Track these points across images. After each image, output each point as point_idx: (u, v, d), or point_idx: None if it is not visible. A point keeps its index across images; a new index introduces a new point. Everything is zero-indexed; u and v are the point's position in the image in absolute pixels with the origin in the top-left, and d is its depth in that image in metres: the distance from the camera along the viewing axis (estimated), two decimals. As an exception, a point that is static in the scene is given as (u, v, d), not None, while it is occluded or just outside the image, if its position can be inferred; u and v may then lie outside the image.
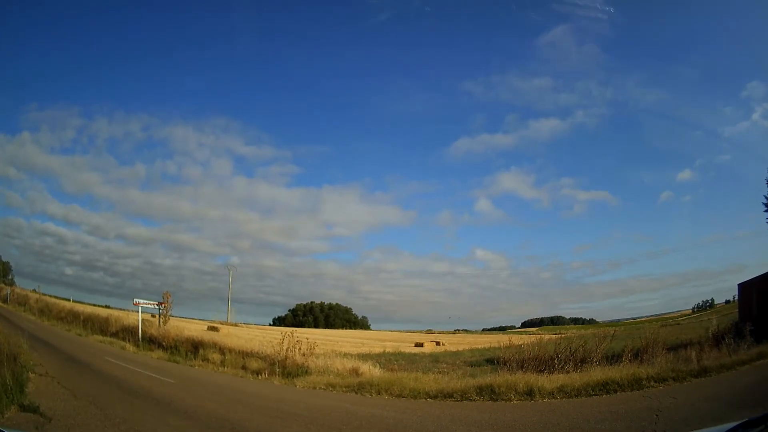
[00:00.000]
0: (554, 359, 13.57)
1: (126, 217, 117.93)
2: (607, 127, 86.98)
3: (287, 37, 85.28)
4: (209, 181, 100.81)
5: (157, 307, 26.39)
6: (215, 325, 42.15)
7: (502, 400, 10.53)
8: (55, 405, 8.76)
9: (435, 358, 24.45)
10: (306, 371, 15.73)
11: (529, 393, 10.58)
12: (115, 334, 26.04)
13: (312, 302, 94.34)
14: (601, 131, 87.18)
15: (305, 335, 19.39)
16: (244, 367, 17.22)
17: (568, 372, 12.66)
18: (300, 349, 16.61)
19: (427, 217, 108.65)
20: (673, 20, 65.42)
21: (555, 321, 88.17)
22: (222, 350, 19.80)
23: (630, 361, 12.72)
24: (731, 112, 73.26)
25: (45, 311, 35.25)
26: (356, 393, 12.45)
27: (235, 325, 53.64)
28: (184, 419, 8.82)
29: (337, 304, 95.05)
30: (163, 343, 22.10)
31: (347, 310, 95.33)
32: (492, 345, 27.09)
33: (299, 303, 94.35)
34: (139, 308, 25.37)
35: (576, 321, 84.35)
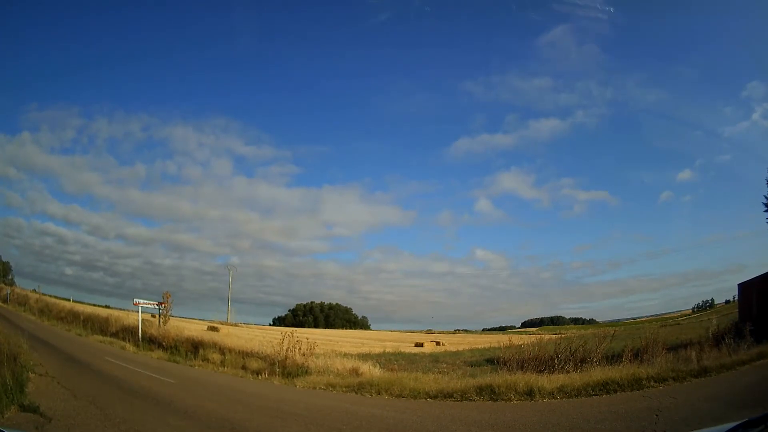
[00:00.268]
0: (554, 359, 13.57)
1: (126, 217, 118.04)
2: (607, 127, 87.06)
3: (287, 37, 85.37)
4: (209, 181, 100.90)
5: (157, 307, 26.39)
6: (215, 325, 42.14)
7: (502, 400, 10.53)
8: (55, 405, 8.76)
9: (435, 358, 24.45)
10: (306, 371, 15.73)
11: (529, 393, 10.58)
12: (115, 334, 26.04)
13: (312, 302, 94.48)
14: (601, 131, 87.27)
15: (305, 335, 19.38)
16: (244, 367, 17.22)
17: (568, 372, 12.66)
18: (300, 349, 16.61)
19: (427, 217, 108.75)
20: (673, 20, 65.48)
21: (555, 321, 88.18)
22: (222, 350, 19.80)
23: (630, 361, 12.71)
24: (731, 112, 73.35)
25: (45, 311, 35.24)
26: (356, 393, 12.45)
27: (235, 325, 53.64)
28: (184, 419, 8.82)
29: (337, 304, 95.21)
30: (163, 343, 22.10)
31: (347, 310, 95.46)
32: (492, 345, 27.10)
33: (299, 303, 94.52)
34: (139, 308, 25.37)
35: (576, 321, 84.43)
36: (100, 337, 25.70)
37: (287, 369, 15.82)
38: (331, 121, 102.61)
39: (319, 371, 15.69)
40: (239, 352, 19.17)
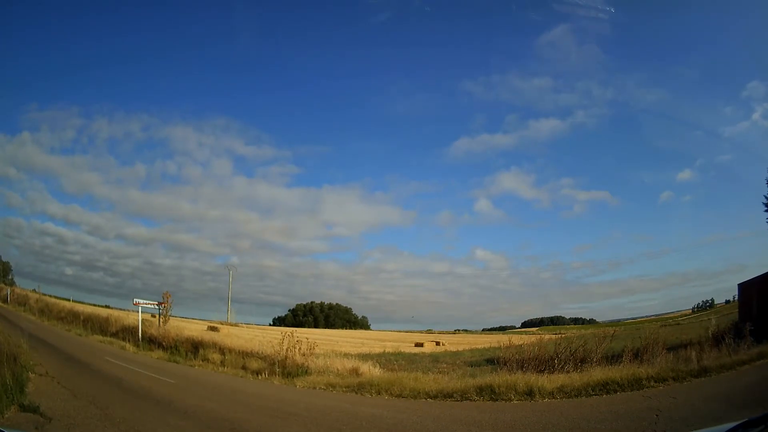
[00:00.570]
0: (554, 359, 13.57)
1: (126, 217, 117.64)
2: (607, 127, 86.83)
3: (287, 37, 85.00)
4: (209, 181, 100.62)
5: (157, 307, 26.37)
6: (215, 325, 42.14)
7: (502, 400, 10.53)
8: (55, 405, 8.77)
9: (435, 358, 24.45)
10: (306, 371, 15.73)
11: (529, 393, 10.58)
12: (115, 334, 26.05)
13: (312, 302, 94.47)
14: (601, 131, 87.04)
15: (305, 335, 19.38)
16: (244, 367, 17.23)
17: (568, 372, 12.66)
18: (300, 349, 16.62)
19: (427, 217, 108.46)
20: (673, 20, 65.39)
21: (555, 321, 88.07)
22: (222, 350, 19.81)
23: (630, 361, 12.71)
24: (731, 112, 73.11)
25: (45, 311, 35.24)
26: (356, 393, 12.45)
27: (235, 325, 53.62)
28: (184, 419, 8.82)
29: (337, 304, 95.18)
30: (163, 343, 22.11)
31: (347, 310, 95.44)
32: (492, 345, 27.09)
33: (299, 303, 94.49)
34: (139, 308, 25.37)
35: (576, 321, 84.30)
36: (100, 337, 25.70)
37: (287, 369, 15.82)
38: (331, 121, 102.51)
39: (319, 371, 15.70)
40: (239, 352, 19.18)
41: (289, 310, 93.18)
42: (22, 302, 40.07)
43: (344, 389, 13.02)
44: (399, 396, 11.71)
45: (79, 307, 37.66)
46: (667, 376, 10.97)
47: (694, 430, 5.64)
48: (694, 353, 12.36)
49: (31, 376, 10.99)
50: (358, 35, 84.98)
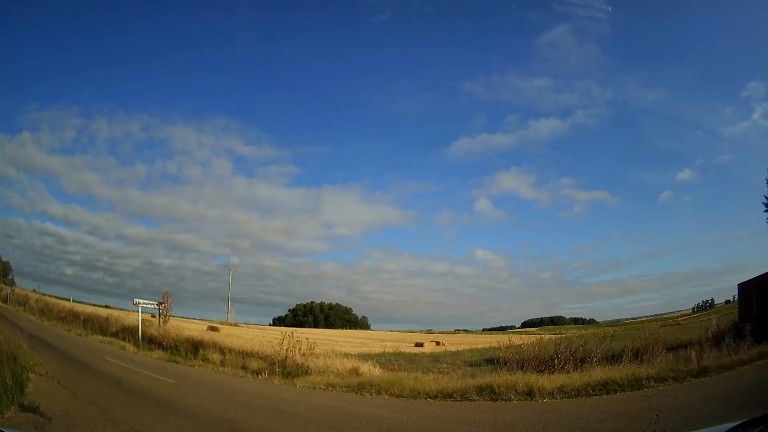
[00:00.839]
0: (554, 359, 13.56)
1: (126, 217, 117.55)
2: (607, 127, 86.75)
3: (287, 37, 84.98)
4: (209, 181, 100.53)
5: (157, 307, 26.36)
6: (215, 325, 42.16)
7: (502, 400, 10.53)
8: (55, 405, 8.77)
9: (435, 358, 24.45)
10: (306, 371, 15.73)
11: (529, 393, 10.58)
12: (115, 334, 26.05)
13: (312, 302, 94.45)
14: (601, 131, 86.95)
15: (305, 335, 19.38)
16: (244, 367, 17.22)
17: (568, 372, 12.66)
18: (300, 349, 16.61)
19: (427, 217, 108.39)
20: (673, 20, 65.38)
21: (555, 321, 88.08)
22: (222, 350, 19.80)
23: (630, 361, 12.71)
24: (731, 112, 73.04)
25: (45, 311, 35.23)
26: (356, 393, 12.45)
27: (235, 325, 53.63)
28: (184, 419, 8.82)
29: (337, 304, 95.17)
30: (163, 343, 22.10)
31: (347, 310, 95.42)
32: (492, 345, 27.08)
33: (299, 303, 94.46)
34: (139, 308, 25.36)
35: (576, 321, 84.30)
36: (100, 337, 25.70)
37: (287, 369, 15.82)
38: (331, 121, 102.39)
39: (319, 371, 15.69)
40: (239, 352, 19.18)
41: (289, 310, 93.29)
42: (22, 302, 40.06)
43: (344, 389, 13.02)
44: (399, 396, 11.71)
45: (79, 307, 37.65)
46: (667, 376, 10.97)
47: (694, 430, 5.64)
48: (694, 353, 12.36)
49: (31, 376, 10.99)
50: (358, 35, 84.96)
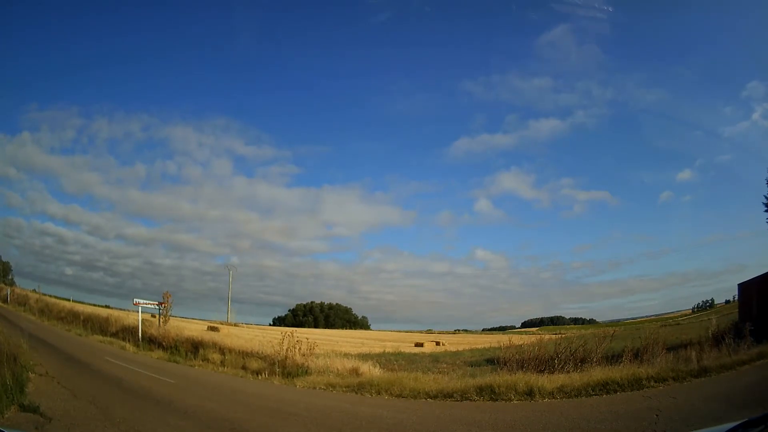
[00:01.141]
0: (554, 359, 13.55)
1: (126, 217, 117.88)
2: (607, 127, 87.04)
3: (287, 37, 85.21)
4: (209, 181, 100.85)
5: (157, 307, 26.37)
6: (215, 325, 42.17)
7: (502, 400, 10.53)
8: (55, 405, 8.77)
9: (435, 358, 24.45)
10: (306, 371, 15.72)
11: (529, 393, 10.57)
12: (115, 334, 26.03)
13: (312, 302, 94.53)
14: (601, 131, 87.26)
15: (305, 335, 19.38)
16: (244, 367, 17.22)
17: (568, 372, 12.65)
18: (300, 349, 16.60)
19: (427, 217, 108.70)
20: (673, 20, 65.47)
21: (555, 321, 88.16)
22: (222, 350, 19.79)
23: (630, 361, 12.70)
24: (731, 112, 73.27)
25: (45, 311, 35.22)
26: (356, 393, 12.45)
27: (235, 325, 53.66)
28: (184, 419, 8.82)
29: (337, 304, 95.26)
30: (163, 343, 22.10)
31: (347, 310, 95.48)
32: (492, 345, 27.09)
33: (299, 303, 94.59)
34: (139, 308, 25.36)
35: (576, 321, 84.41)
36: (100, 337, 25.69)
37: (287, 369, 15.81)
38: (331, 121, 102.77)
39: (319, 371, 15.69)
40: (239, 352, 19.17)
41: (289, 310, 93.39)
42: (22, 302, 40.05)
43: (344, 389, 13.01)
44: (399, 396, 11.71)
45: (79, 307, 37.65)
46: (667, 376, 10.97)
47: (694, 430, 5.64)
48: (694, 353, 12.35)
49: (31, 376, 10.98)
50: (358, 35, 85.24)
